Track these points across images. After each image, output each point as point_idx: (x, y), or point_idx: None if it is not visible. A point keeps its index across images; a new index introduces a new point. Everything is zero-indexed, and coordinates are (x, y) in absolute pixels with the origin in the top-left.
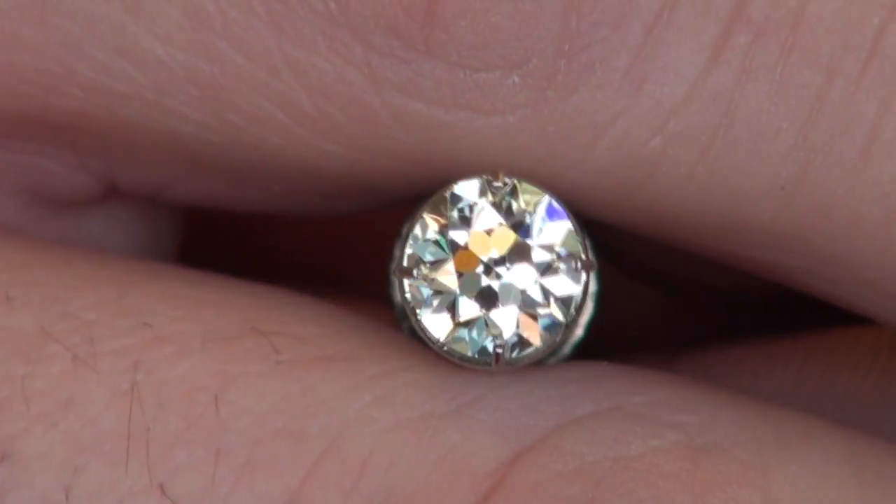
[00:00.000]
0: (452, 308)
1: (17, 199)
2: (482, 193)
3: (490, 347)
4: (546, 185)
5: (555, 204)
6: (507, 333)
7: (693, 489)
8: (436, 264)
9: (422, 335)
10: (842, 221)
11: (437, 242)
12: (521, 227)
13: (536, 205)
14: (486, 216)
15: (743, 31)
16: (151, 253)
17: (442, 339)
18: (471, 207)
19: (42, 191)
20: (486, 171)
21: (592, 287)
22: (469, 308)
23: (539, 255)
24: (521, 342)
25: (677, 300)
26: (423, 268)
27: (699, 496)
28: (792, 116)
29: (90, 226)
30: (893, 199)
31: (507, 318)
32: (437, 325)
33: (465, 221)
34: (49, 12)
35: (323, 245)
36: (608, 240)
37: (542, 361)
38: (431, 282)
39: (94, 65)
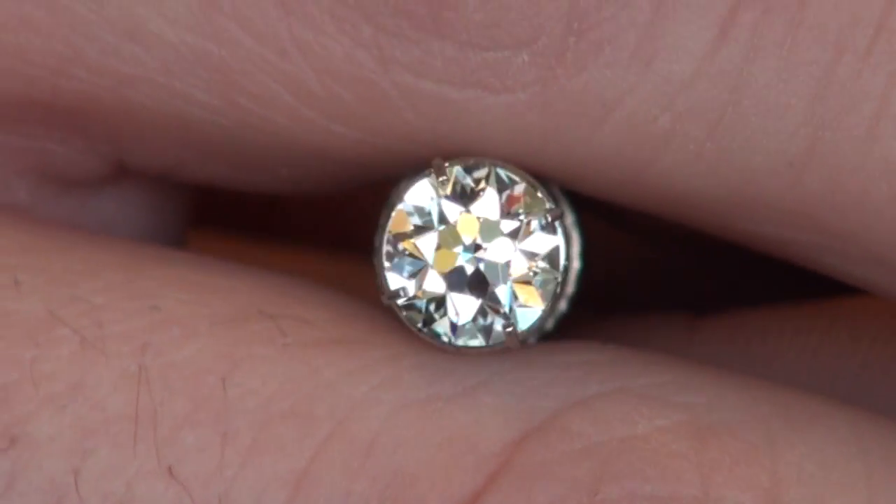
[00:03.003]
0: (448, 310)
1: (27, 180)
2: (433, 191)
3: (500, 329)
4: (554, 164)
5: (503, 171)
6: (462, 320)
7: (700, 468)
8: (420, 230)
9: (431, 341)
10: (850, 197)
11: (410, 255)
12: (513, 226)
13: (486, 178)
14: (446, 210)
15: (750, 8)
16: (160, 234)
17: (454, 340)
18: (426, 210)
19: (52, 172)
20: (431, 162)
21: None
22: (465, 302)
23: (508, 225)
24: (525, 312)
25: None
26: (408, 288)
27: (706, 475)
28: (800, 93)
29: (100, 206)
30: None
31: (503, 295)
32: (442, 329)
33: (428, 225)
34: None
35: (333, 214)
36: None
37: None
38: (421, 296)
39: (102, 47)
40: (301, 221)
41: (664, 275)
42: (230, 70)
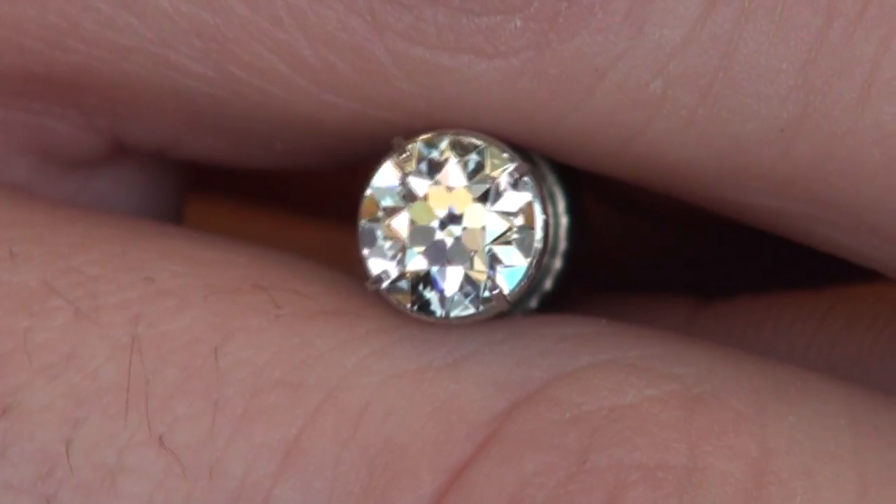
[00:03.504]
0: (435, 285)
1: (26, 158)
2: (451, 149)
3: (487, 295)
4: (547, 131)
5: (463, 137)
6: (450, 291)
7: (689, 437)
8: (391, 211)
9: (426, 320)
10: (842, 164)
11: (386, 238)
12: (482, 190)
13: (501, 171)
14: (414, 187)
15: None
16: (158, 211)
17: (444, 312)
18: (394, 191)
19: (50, 150)
20: (391, 142)
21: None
22: (450, 274)
23: (477, 190)
24: (509, 272)
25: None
26: (389, 271)
27: (695, 444)
28: (791, 57)
29: (98, 185)
30: (894, 141)
31: (485, 260)
32: (434, 305)
33: (397, 208)
34: None
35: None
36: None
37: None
38: (405, 276)
39: (98, 17)
40: (299, 191)
41: (671, 256)
42: (224, 39)
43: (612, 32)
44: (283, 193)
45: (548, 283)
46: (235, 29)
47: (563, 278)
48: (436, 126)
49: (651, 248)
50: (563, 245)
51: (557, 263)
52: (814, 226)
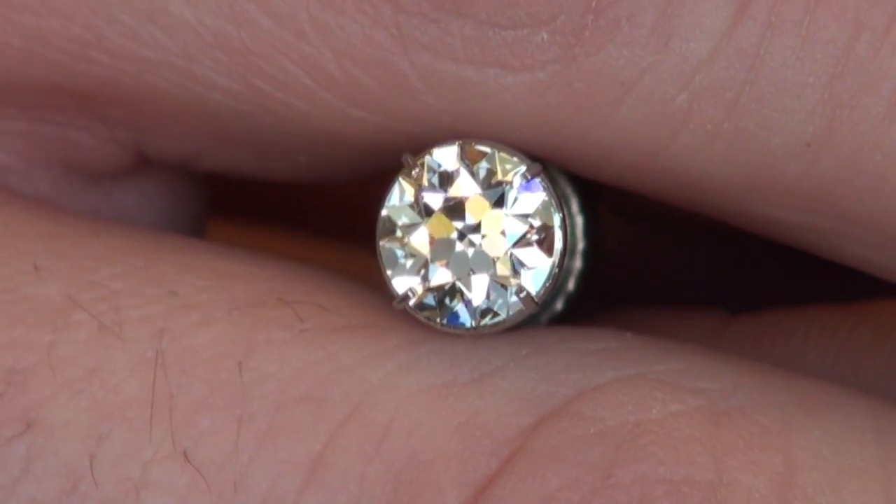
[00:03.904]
0: (463, 296)
1: (50, 171)
2: (460, 159)
3: (514, 300)
4: (572, 145)
5: (472, 146)
6: (477, 300)
7: (714, 452)
8: (409, 228)
9: (457, 333)
10: (868, 179)
11: (408, 256)
12: (496, 195)
13: (513, 174)
14: (428, 201)
15: None
16: (180, 224)
17: (474, 323)
18: (409, 208)
19: (74, 163)
20: (401, 160)
21: (581, 245)
22: (475, 283)
23: (492, 196)
24: (533, 274)
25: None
26: (416, 288)
27: (720, 459)
28: (818, 71)
29: (121, 198)
30: None
31: (508, 264)
32: (463, 317)
33: (414, 222)
34: None
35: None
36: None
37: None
38: (406, 246)
39: (123, 30)
40: (319, 212)
41: (689, 268)
42: (249, 53)
43: (639, 46)
44: (301, 214)
45: (570, 284)
46: (260, 42)
47: (585, 278)
48: (461, 138)
49: (668, 260)
50: (581, 244)
51: (577, 263)
52: (839, 241)
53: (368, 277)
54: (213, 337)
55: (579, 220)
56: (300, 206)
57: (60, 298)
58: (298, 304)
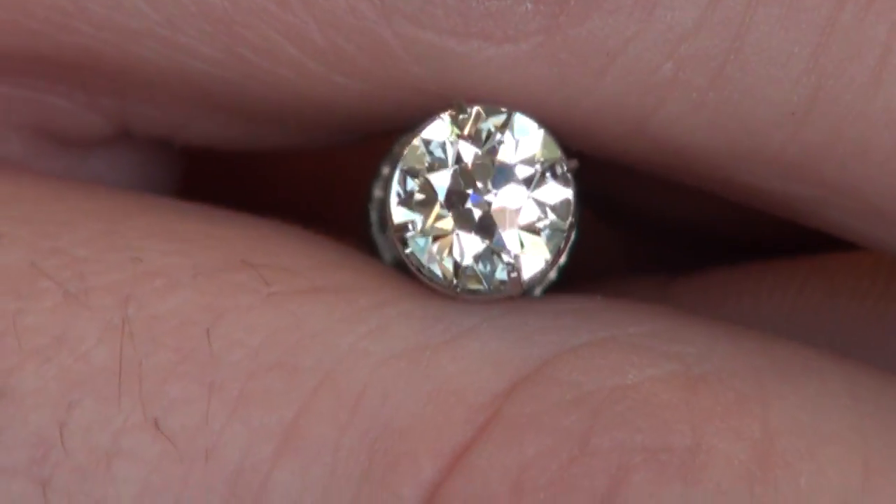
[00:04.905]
0: (452, 248)
1: (21, 133)
2: (451, 129)
3: (503, 276)
4: (558, 115)
5: (521, 117)
6: (465, 261)
7: (692, 418)
8: (425, 210)
9: (429, 283)
10: (852, 147)
11: (421, 191)
12: (527, 172)
13: (505, 124)
14: (462, 150)
15: None
16: (154, 191)
17: (455, 282)
18: (443, 147)
19: (51, 128)
20: (452, 102)
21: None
22: (471, 243)
23: (523, 171)
24: (530, 261)
25: (658, 242)
26: (416, 222)
27: (698, 425)
28: (803, 41)
29: (92, 164)
30: None
31: (510, 241)
32: (444, 272)
33: (442, 162)
34: None
35: (309, 175)
36: (594, 185)
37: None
38: (429, 231)
39: (105, 1)
40: (285, 190)
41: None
42: (233, 22)
43: (623, 15)
44: (270, 191)
45: (537, 290)
46: (244, 12)
47: (550, 288)
48: (447, 104)
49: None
50: (563, 259)
51: (552, 275)
52: (823, 209)
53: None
54: (179, 303)
55: (573, 237)
56: (268, 183)
57: (24, 265)
58: (263, 267)
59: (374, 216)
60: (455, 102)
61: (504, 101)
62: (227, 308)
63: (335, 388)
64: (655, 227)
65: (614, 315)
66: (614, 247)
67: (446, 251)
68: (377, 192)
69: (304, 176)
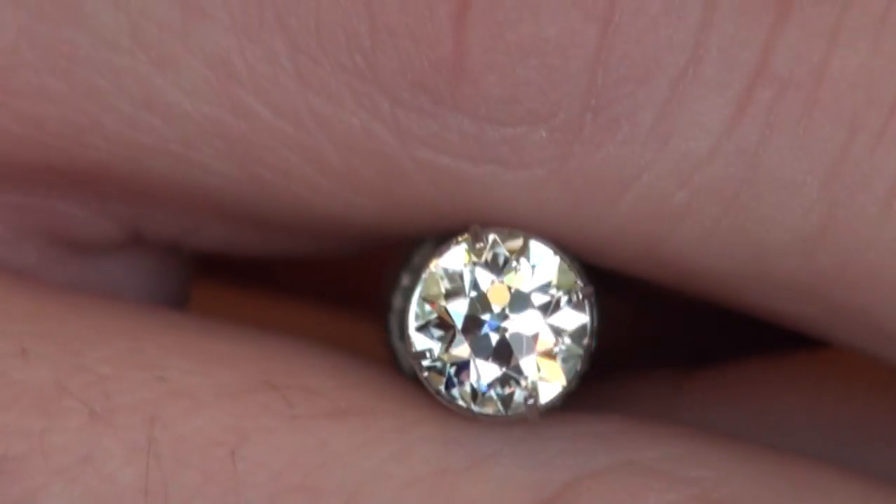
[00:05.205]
0: (470, 374)
1: (35, 241)
2: (468, 256)
3: (521, 401)
4: (572, 238)
5: (537, 243)
6: (483, 386)
7: None
8: (443, 337)
9: (447, 405)
10: (862, 275)
11: (439, 319)
12: (544, 301)
13: (521, 250)
14: (479, 278)
15: (767, 86)
16: (166, 295)
17: (473, 407)
18: (461, 275)
19: (64, 234)
20: (463, 229)
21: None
22: (488, 369)
23: (539, 298)
24: (546, 387)
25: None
26: (434, 350)
27: None
28: (815, 170)
29: (108, 269)
30: None
31: (527, 367)
32: (463, 396)
33: (460, 289)
34: (76, 65)
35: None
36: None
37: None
38: (446, 359)
39: (119, 117)
40: (302, 277)
41: (652, 331)
42: (248, 142)
43: (638, 145)
44: (281, 277)
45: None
46: (259, 132)
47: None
48: (463, 225)
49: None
50: (584, 367)
51: (572, 384)
52: (833, 330)
53: (353, 344)
54: (203, 424)
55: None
56: (281, 271)
57: (50, 384)
58: (286, 388)
59: (394, 326)
60: (472, 229)
61: (519, 224)
62: (251, 430)
63: None
64: (671, 306)
65: (632, 438)
66: (627, 322)
67: (463, 378)
68: (397, 302)
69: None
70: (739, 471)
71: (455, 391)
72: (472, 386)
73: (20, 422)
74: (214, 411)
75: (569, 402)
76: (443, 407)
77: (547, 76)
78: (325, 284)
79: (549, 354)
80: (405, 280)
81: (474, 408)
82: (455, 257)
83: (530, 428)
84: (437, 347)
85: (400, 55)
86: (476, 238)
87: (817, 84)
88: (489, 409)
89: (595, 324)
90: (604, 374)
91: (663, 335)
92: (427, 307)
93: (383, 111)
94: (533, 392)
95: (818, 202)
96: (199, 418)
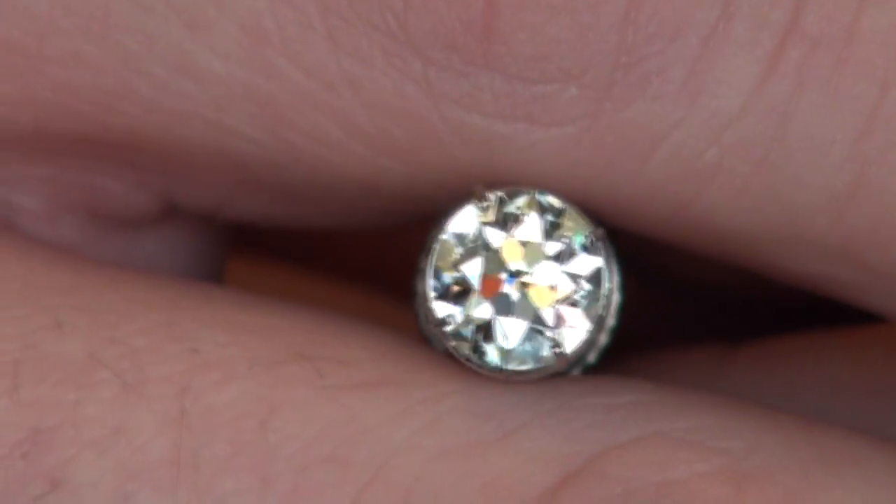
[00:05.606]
0: (493, 333)
1: (75, 217)
2: (477, 217)
3: (549, 353)
4: (602, 198)
5: (545, 196)
6: (511, 344)
7: None
8: (463, 301)
9: (479, 370)
10: (893, 233)
11: (456, 283)
12: (556, 249)
13: (528, 204)
14: (489, 236)
15: (797, 44)
16: (203, 269)
17: (501, 365)
18: (471, 237)
19: (101, 209)
20: (472, 190)
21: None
22: (514, 327)
23: (552, 248)
24: (571, 333)
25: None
26: (455, 315)
27: None
28: (846, 128)
29: (145, 244)
30: None
31: (550, 318)
32: (492, 357)
33: (472, 251)
34: (109, 30)
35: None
36: (633, 251)
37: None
38: (469, 322)
39: (153, 82)
40: (337, 256)
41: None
42: (279, 105)
43: (668, 101)
44: (318, 256)
45: (591, 356)
46: (290, 95)
47: (605, 352)
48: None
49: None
50: (611, 321)
51: (603, 338)
52: (865, 293)
53: (385, 321)
54: (235, 396)
55: (617, 298)
56: (316, 248)
57: (83, 356)
58: (318, 359)
59: (420, 311)
60: (475, 190)
61: (549, 184)
62: (283, 401)
63: (387, 482)
64: (706, 294)
65: (661, 408)
66: (665, 312)
67: (490, 339)
68: (419, 287)
69: (360, 242)
70: (768, 441)
71: (484, 354)
72: (498, 346)
73: (53, 394)
74: (246, 382)
75: (608, 365)
76: (473, 379)
77: (578, 34)
78: (362, 269)
79: (570, 301)
80: (422, 262)
81: (506, 367)
82: (463, 220)
83: (562, 398)
84: (458, 312)
85: (431, 15)
86: (480, 198)
87: (848, 42)
88: (520, 366)
89: (617, 278)
90: (644, 352)
91: (675, 315)
92: (444, 275)
93: (415, 71)
94: (558, 341)
95: (850, 160)
96: (231, 390)
